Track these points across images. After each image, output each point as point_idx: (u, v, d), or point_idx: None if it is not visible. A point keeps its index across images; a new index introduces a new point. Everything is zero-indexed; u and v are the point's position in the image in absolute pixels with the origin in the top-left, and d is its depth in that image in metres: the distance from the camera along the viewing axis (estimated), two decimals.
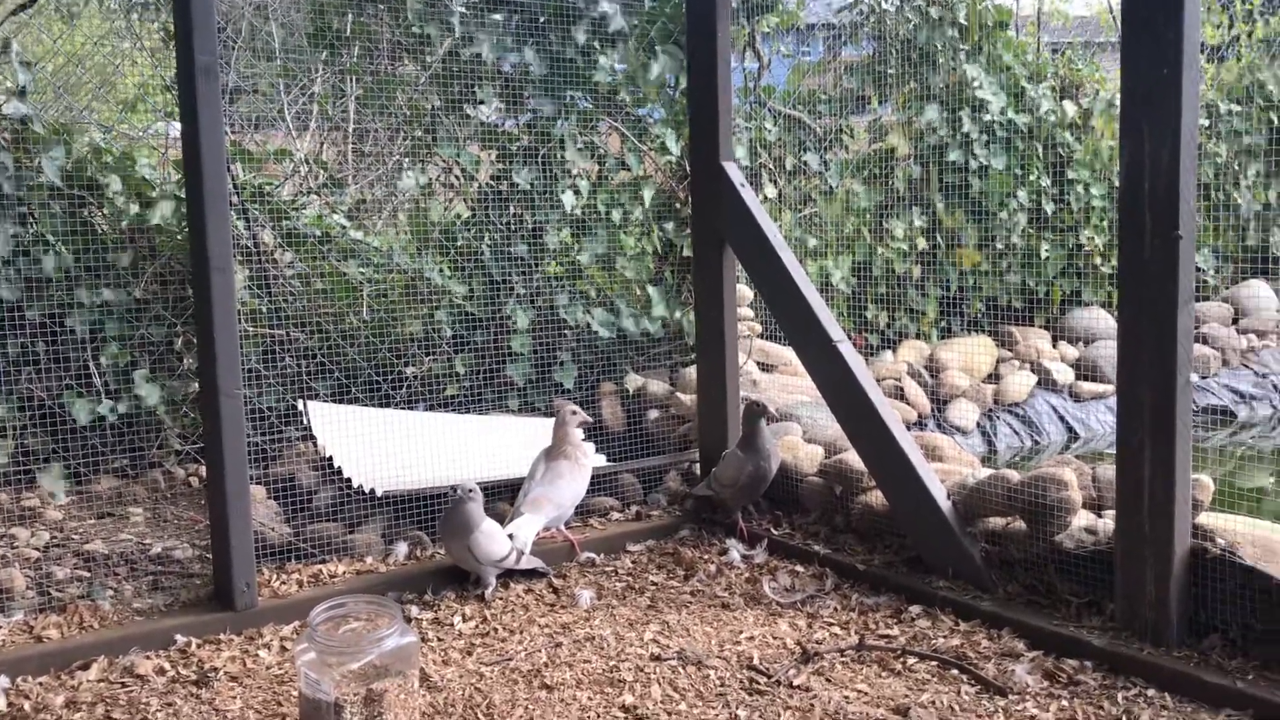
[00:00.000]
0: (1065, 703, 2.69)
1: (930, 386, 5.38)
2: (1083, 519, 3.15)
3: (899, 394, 5.27)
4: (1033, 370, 5.59)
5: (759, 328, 4.93)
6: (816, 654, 2.98)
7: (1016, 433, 5.40)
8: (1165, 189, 2.72)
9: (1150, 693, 2.71)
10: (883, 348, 5.57)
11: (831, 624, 3.20)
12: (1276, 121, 6.44)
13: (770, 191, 5.30)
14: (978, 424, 5.38)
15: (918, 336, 5.64)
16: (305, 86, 4.98)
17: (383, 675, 2.51)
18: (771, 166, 5.32)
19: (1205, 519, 2.89)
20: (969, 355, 5.52)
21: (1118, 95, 3.68)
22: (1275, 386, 5.80)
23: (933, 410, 5.29)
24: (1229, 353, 5.89)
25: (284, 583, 3.45)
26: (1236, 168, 6.42)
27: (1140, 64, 2.77)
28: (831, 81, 5.63)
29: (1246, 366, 5.89)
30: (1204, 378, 5.76)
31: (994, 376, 5.62)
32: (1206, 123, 6.40)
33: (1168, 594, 2.81)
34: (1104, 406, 5.57)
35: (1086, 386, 5.61)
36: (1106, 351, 5.69)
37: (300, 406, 4.10)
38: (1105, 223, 5.95)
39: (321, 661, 2.49)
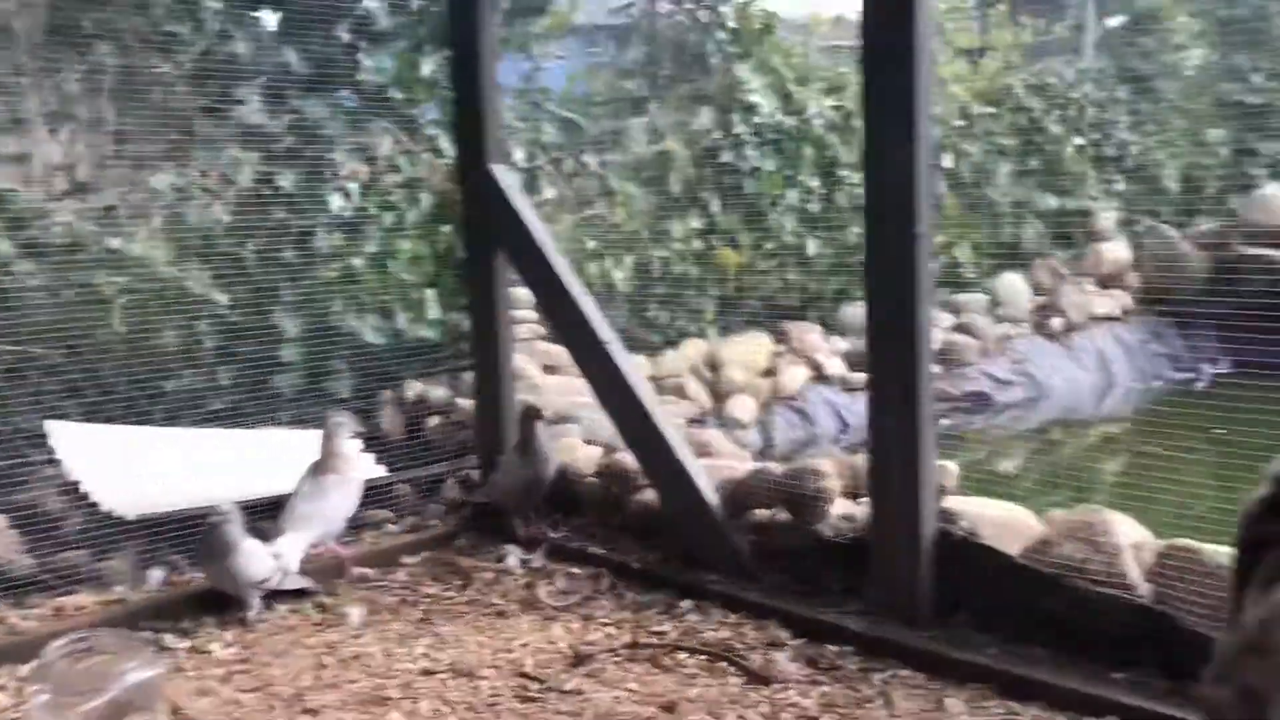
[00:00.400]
0: (826, 688, 2.78)
1: (711, 383, 5.48)
2: (841, 507, 3.26)
3: (681, 392, 5.34)
4: (807, 364, 5.78)
5: (542, 330, 4.91)
6: (589, 656, 2.98)
7: (793, 425, 5.57)
8: (904, 188, 2.84)
9: (904, 673, 2.82)
10: (665, 346, 5.65)
11: (606, 624, 3.21)
12: (1024, 123, 6.86)
13: (549, 193, 5.29)
14: (757, 418, 5.51)
15: (699, 335, 5.74)
16: (55, 86, 4.67)
17: (125, 712, 2.37)
18: (550, 168, 5.32)
19: (951, 503, 3.03)
20: (747, 352, 5.66)
21: None
22: (1027, 371, 6.17)
23: (714, 406, 5.40)
24: (988, 341, 6.23)
25: (24, 618, 3.22)
26: (990, 167, 6.80)
27: (877, 68, 2.88)
28: (606, 84, 5.67)
29: (1003, 354, 6.24)
30: (965, 365, 6.08)
31: (771, 371, 5.78)
32: (963, 123, 6.75)
33: (918, 576, 2.93)
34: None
35: (857, 378, 5.82)
36: None
37: (46, 428, 3.84)
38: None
39: (55, 703, 2.33)
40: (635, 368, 3.65)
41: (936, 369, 2.90)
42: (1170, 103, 7.51)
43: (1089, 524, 2.77)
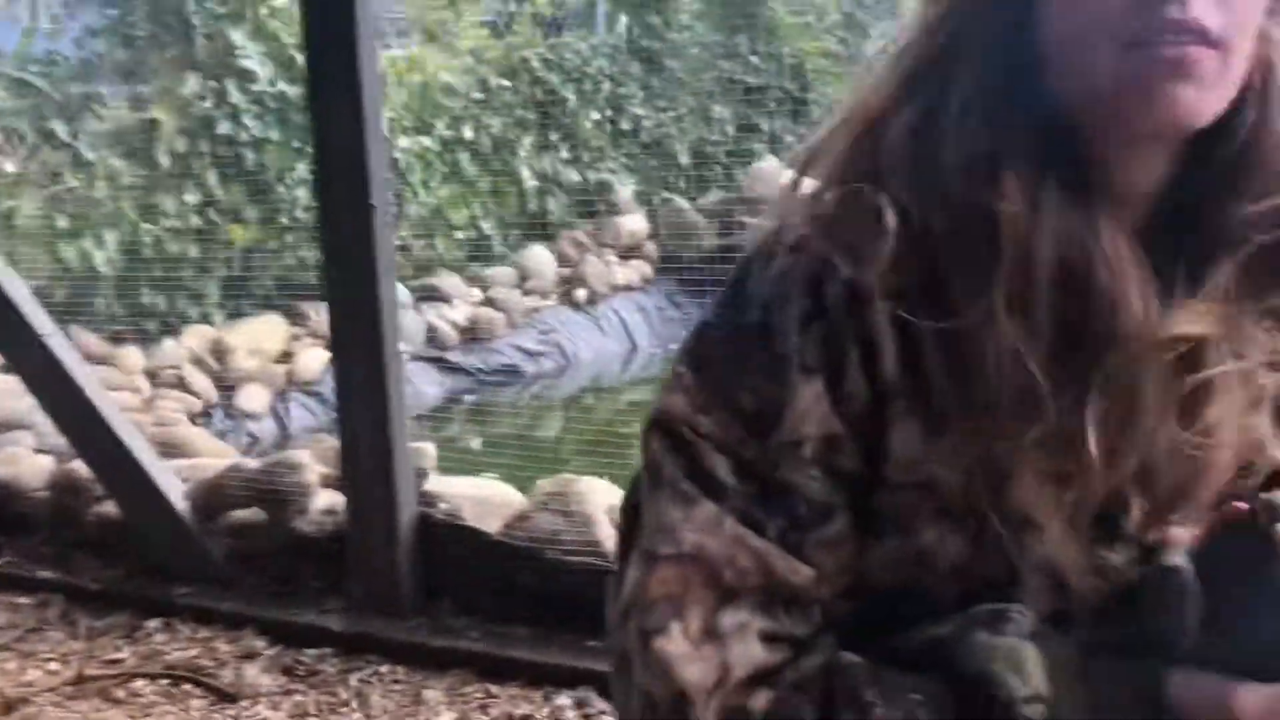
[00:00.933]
0: (300, 697, 2.57)
1: (217, 373, 5.06)
2: (323, 500, 3.05)
3: (183, 384, 4.89)
4: (326, 347, 5.49)
5: None
6: (22, 700, 2.58)
7: (312, 412, 5.27)
8: (355, 160, 2.65)
9: (384, 669, 2.66)
10: (163, 334, 5.14)
11: (50, 659, 2.79)
12: (542, 96, 6.93)
13: (9, 167, 4.63)
14: (271, 407, 5.16)
15: (202, 320, 5.28)
16: None
17: None
18: (3, 140, 4.65)
19: (432, 485, 2.90)
20: (258, 336, 5.28)
21: None
22: (555, 342, 6.26)
23: (220, 398, 4.99)
24: (515, 314, 6.24)
25: None
26: (512, 139, 6.81)
27: (320, 39, 2.66)
28: (76, 44, 5.05)
29: (531, 326, 6.29)
30: (494, 339, 6.06)
31: (287, 356, 5.44)
32: (480, 96, 6.71)
33: (398, 565, 2.78)
34: None
35: None
36: (405, 323, 5.75)
37: None
38: (391, 193, 6.00)
39: None
40: (84, 365, 3.22)
41: (407, 347, 2.74)
42: (679, 80, 7.91)
43: (564, 493, 2.75)
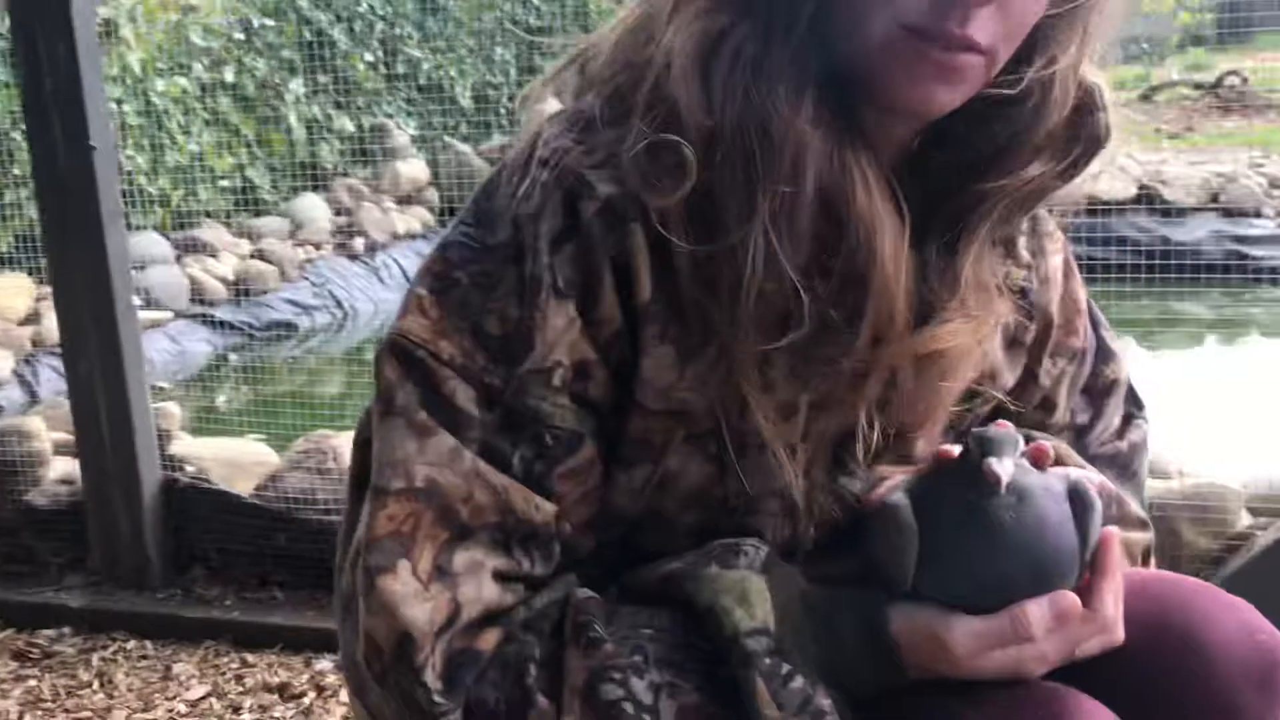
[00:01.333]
0: (34, 682, 2.38)
1: None
2: (58, 469, 2.83)
3: None
4: None
5: None
6: None
7: (64, 376, 4.91)
8: (69, 95, 2.43)
9: (130, 645, 2.50)
10: None
11: None
12: (310, 37, 6.61)
13: None
14: (14, 372, 4.79)
15: None
16: None
17: None
18: None
19: (178, 447, 2.73)
20: None
21: None
22: (332, 294, 6.02)
23: None
24: (288, 266, 5.97)
25: None
26: (278, 82, 6.48)
27: None
28: None
29: (305, 279, 6.03)
30: (265, 293, 5.77)
31: (33, 317, 5.05)
32: (242, 36, 6.34)
33: (143, 534, 2.61)
34: (164, 335, 5.31)
35: (143, 315, 5.28)
36: (161, 277, 5.42)
37: None
38: (148, 141, 5.62)
39: None
40: None
41: (139, 302, 2.55)
42: (457, 20, 7.69)
43: (319, 450, 2.63)
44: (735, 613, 0.88)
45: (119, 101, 5.50)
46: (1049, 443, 0.97)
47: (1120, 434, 1.18)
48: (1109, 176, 5.95)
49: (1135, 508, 1.15)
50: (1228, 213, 5.93)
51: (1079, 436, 1.16)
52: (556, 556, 0.94)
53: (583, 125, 0.92)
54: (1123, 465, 1.16)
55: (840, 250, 0.89)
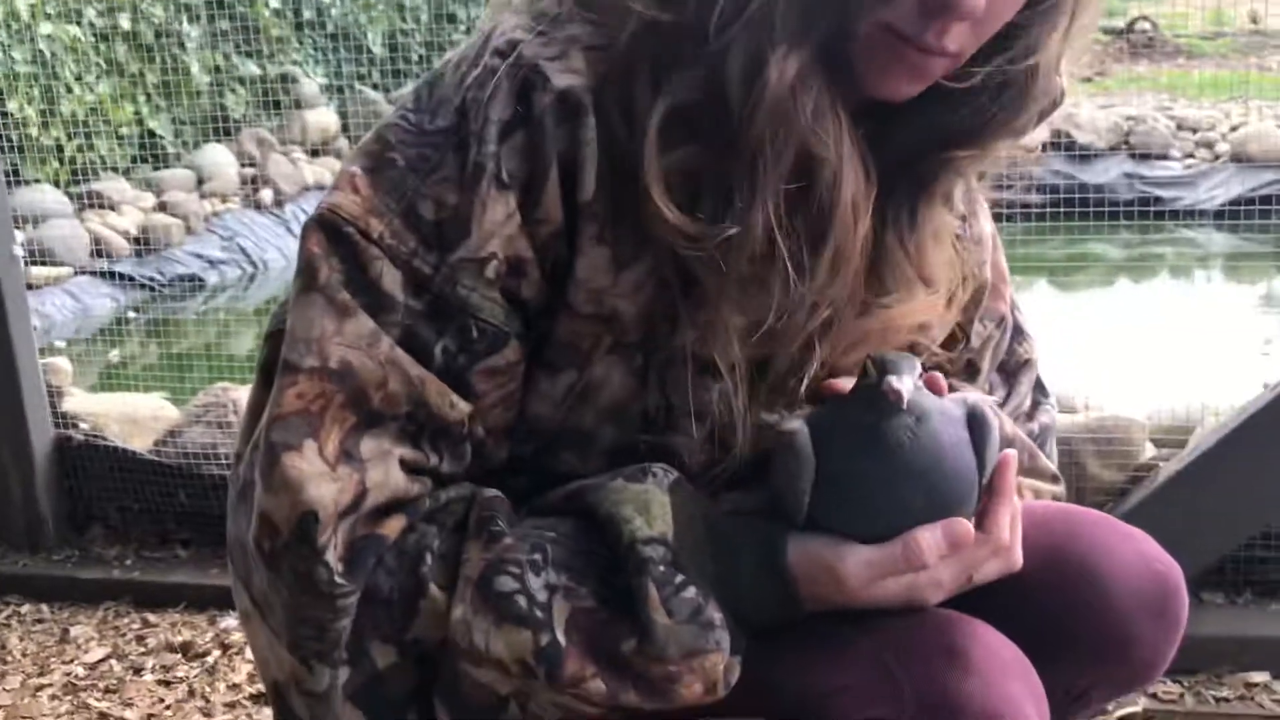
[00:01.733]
0: None
1: None
2: None
3: None
4: None
5: None
6: None
7: None
8: None
9: (25, 609, 2.42)
10: None
11: None
12: None
13: None
14: None
15: None
16: None
17: None
18: None
19: (71, 404, 2.63)
20: None
21: None
22: (241, 247, 5.86)
23: None
24: (193, 219, 5.79)
25: None
26: (180, 29, 6.25)
27: None
28: None
29: (212, 232, 5.86)
30: (169, 248, 5.60)
31: None
32: None
33: (36, 494, 2.52)
34: (63, 291, 5.13)
35: (40, 272, 5.09)
36: (59, 231, 5.22)
37: None
38: (37, 90, 5.39)
39: None
40: None
41: (21, 250, 2.44)
42: None
43: (219, 403, 2.55)
44: (635, 521, 0.87)
45: (4, 47, 5.26)
46: (937, 374, 0.96)
47: (1030, 416, 1.18)
48: None
49: (1046, 462, 1.15)
50: (1137, 155, 6.02)
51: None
52: (467, 458, 0.91)
53: (546, 19, 0.90)
54: (1033, 448, 1.15)
55: (810, 192, 0.88)
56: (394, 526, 0.87)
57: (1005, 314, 1.15)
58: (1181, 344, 3.29)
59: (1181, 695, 1.81)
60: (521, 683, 0.85)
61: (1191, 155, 6.28)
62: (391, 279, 0.86)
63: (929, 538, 0.85)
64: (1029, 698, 0.86)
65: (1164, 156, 6.15)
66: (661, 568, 0.85)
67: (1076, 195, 3.06)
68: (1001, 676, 0.85)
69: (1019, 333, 1.18)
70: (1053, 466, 1.15)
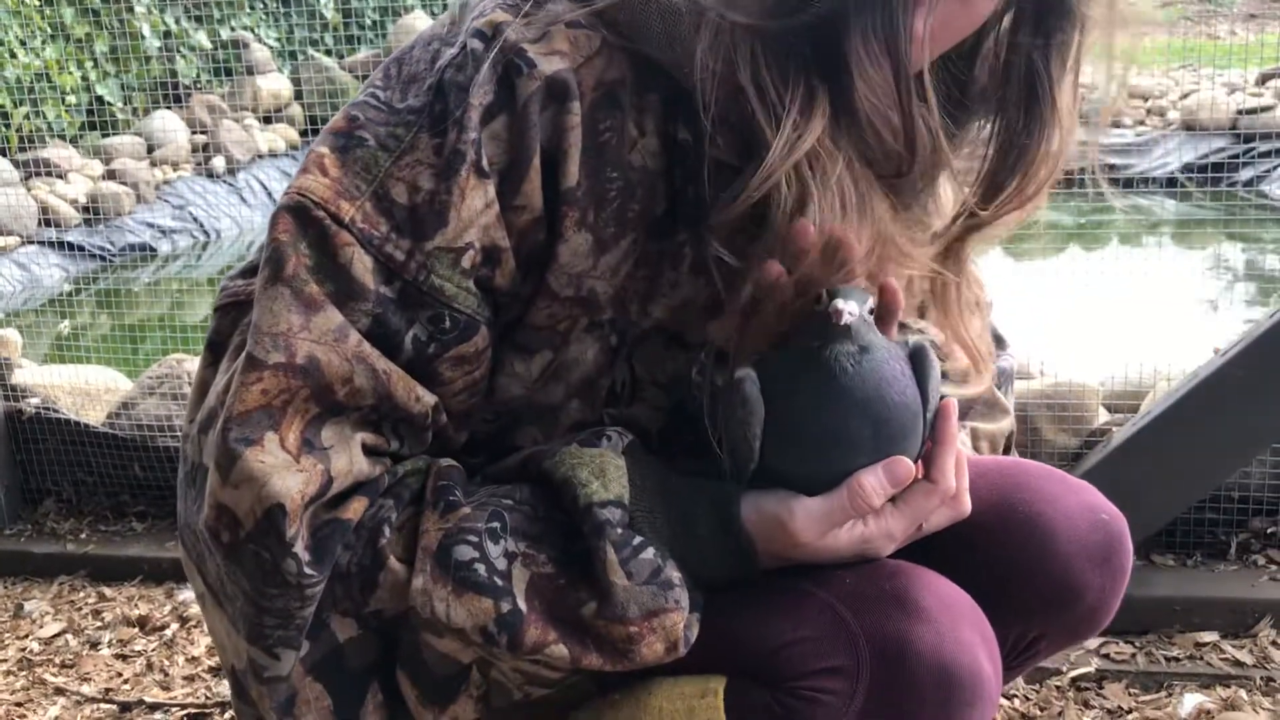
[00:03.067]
0: None
1: None
2: None
3: None
4: None
5: None
6: None
7: None
8: None
9: None
10: None
11: None
12: None
13: None
14: None
15: None
16: None
17: None
18: None
19: (21, 376, 2.59)
20: None
21: None
22: (193, 216, 5.78)
23: None
24: (144, 188, 5.70)
25: None
26: None
27: None
28: None
29: (164, 200, 5.76)
30: (120, 216, 5.51)
31: None
32: None
33: None
34: (11, 261, 5.04)
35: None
36: (5, 200, 5.12)
37: None
38: None
39: None
40: None
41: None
42: None
43: (173, 374, 2.51)
44: (591, 485, 0.87)
45: None
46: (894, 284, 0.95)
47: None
48: None
49: (1000, 396, 1.16)
50: (1088, 123, 6.06)
51: None
52: (427, 443, 0.91)
53: (526, 4, 0.87)
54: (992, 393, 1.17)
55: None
56: (356, 509, 0.86)
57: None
58: (1133, 310, 3.33)
59: (1133, 655, 1.84)
60: (483, 650, 0.85)
61: (1143, 123, 6.34)
62: (362, 265, 0.84)
63: (870, 480, 0.86)
64: (981, 643, 0.88)
65: (1115, 124, 6.20)
66: (619, 530, 0.85)
67: None
68: (953, 622, 0.87)
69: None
70: (1006, 401, 1.16)
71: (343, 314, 0.84)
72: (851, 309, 0.83)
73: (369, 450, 0.87)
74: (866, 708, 0.85)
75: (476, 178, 0.84)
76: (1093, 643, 1.87)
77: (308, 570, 0.83)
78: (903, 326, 1.07)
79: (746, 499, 0.90)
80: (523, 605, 0.84)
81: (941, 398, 0.92)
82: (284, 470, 0.83)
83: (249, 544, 0.83)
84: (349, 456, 0.85)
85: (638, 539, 0.86)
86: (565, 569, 0.86)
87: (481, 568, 0.84)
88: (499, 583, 0.84)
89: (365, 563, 0.86)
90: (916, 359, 0.90)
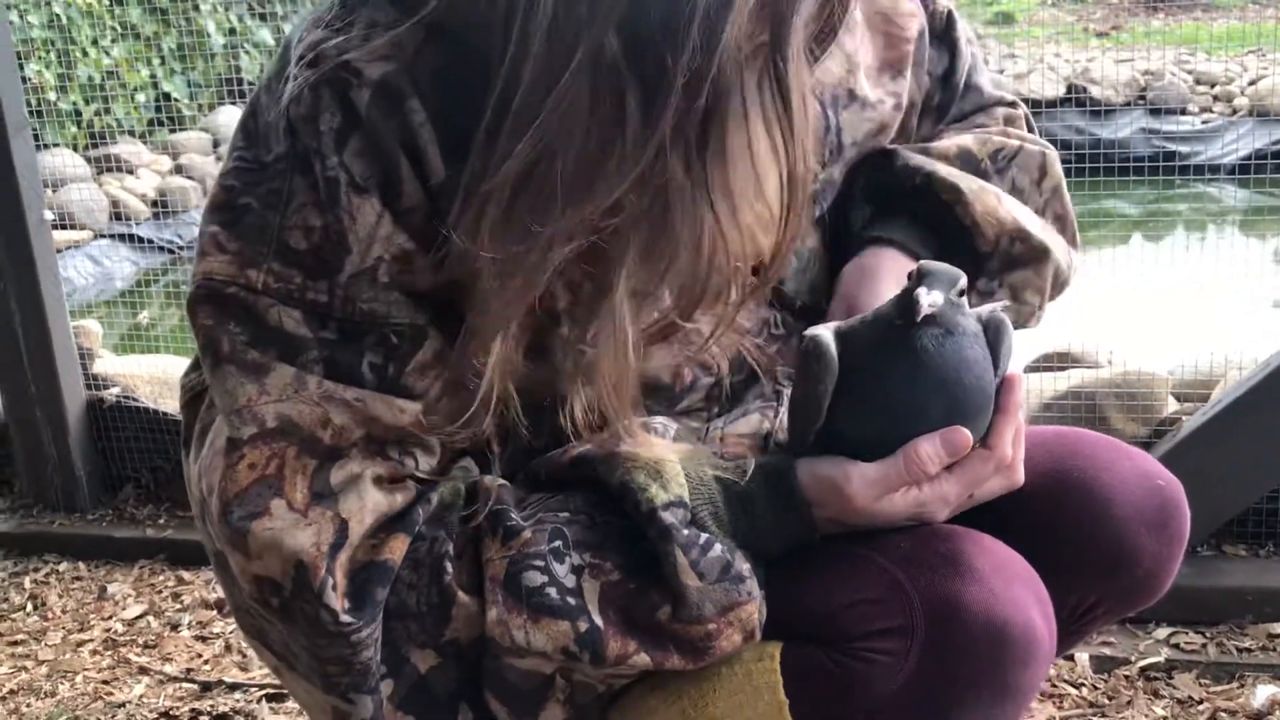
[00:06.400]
0: None
1: None
2: None
3: None
4: None
5: None
6: None
7: None
8: None
9: (63, 566, 2.46)
10: None
11: None
12: None
13: None
14: None
15: None
16: None
17: None
18: None
19: (102, 366, 2.66)
20: None
21: None
22: None
23: None
24: (210, 182, 5.80)
25: None
26: None
27: None
28: None
29: None
30: (187, 210, 5.61)
31: None
32: None
33: (71, 455, 2.55)
34: (84, 255, 5.16)
35: (60, 235, 5.12)
36: (78, 195, 5.24)
37: None
38: (53, 54, 5.39)
39: None
40: None
41: (51, 214, 2.46)
42: None
43: None
44: (651, 488, 0.88)
45: (21, 12, 5.26)
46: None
47: (1005, 134, 1.15)
48: (1039, 76, 5.96)
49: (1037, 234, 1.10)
50: (1155, 110, 5.97)
51: (946, 83, 1.15)
52: (437, 449, 0.92)
53: (332, 13, 0.86)
54: (1030, 164, 1.13)
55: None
56: (397, 548, 0.87)
57: (909, 50, 1.09)
58: (1201, 299, 3.29)
59: (1204, 646, 1.83)
60: (567, 665, 0.88)
61: (1209, 109, 6.23)
62: (293, 320, 0.85)
63: (928, 447, 0.87)
64: (1034, 602, 0.89)
65: (1182, 111, 6.10)
66: (685, 531, 0.87)
67: (1088, 151, 3.02)
68: (1006, 582, 0.88)
69: (953, 52, 1.15)
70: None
71: (294, 366, 0.85)
72: (935, 300, 0.85)
73: (385, 480, 0.88)
74: (921, 666, 0.87)
75: (358, 196, 0.84)
76: (1162, 632, 1.87)
77: (345, 618, 0.84)
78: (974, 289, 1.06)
79: (801, 465, 0.91)
80: (599, 620, 0.86)
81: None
82: (292, 529, 0.84)
83: (294, 601, 0.85)
84: (358, 495, 0.86)
85: (704, 536, 0.88)
86: (634, 574, 0.88)
87: (553, 590, 0.86)
88: (572, 601, 0.86)
89: (435, 600, 0.87)
90: (991, 332, 0.91)
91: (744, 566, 0.88)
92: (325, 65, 0.84)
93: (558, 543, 0.88)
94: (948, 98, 1.16)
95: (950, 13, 1.15)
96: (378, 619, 0.86)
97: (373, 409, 0.87)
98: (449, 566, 0.87)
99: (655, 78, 0.73)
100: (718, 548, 0.88)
